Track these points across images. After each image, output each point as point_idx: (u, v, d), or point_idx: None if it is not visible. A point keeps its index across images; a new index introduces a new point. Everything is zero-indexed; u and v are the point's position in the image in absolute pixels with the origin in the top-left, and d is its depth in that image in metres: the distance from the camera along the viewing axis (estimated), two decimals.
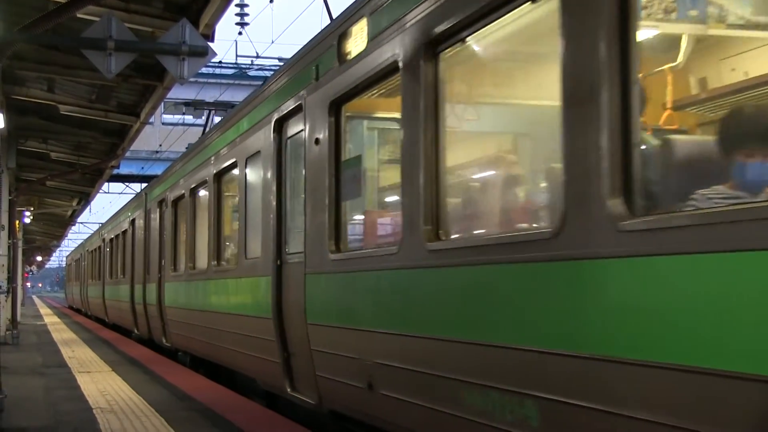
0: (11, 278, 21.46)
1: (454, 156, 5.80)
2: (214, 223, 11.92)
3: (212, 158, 12.13)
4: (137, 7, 11.38)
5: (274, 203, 8.81)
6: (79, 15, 10.85)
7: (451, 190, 5.72)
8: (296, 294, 8.01)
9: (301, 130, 8.00)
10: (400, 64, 5.90)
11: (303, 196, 7.98)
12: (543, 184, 5.17)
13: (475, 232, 5.66)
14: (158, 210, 17.08)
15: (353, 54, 6.83)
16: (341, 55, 7.09)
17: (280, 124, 8.77)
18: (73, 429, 8.27)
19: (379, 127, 7.94)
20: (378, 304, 6.33)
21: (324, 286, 7.43)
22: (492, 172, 5.79)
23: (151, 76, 14.24)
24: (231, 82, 42.60)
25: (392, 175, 7.42)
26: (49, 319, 36.35)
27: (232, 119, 11.14)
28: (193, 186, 13.69)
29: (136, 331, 20.29)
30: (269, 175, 9.00)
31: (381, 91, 6.89)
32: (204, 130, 17.34)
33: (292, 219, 8.64)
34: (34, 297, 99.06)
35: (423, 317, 5.62)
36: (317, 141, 7.49)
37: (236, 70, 45.46)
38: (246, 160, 10.11)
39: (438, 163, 5.53)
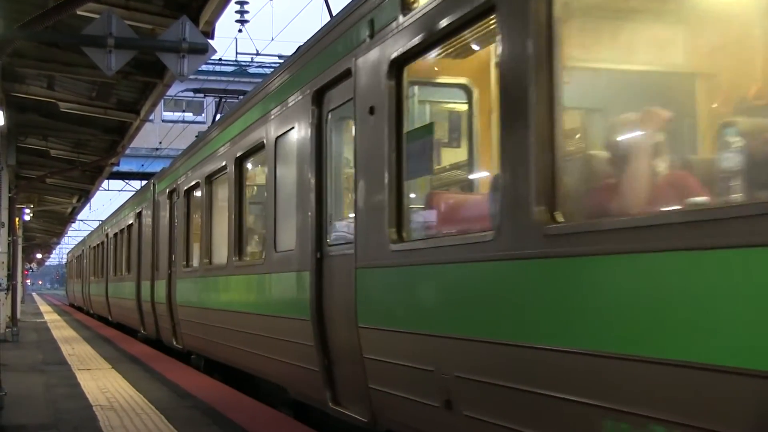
0: (11, 275, 21.45)
1: (576, 116, 4.63)
2: (234, 213, 10.51)
3: (233, 141, 10.77)
4: (137, 5, 11.38)
5: (313, 187, 7.61)
6: (79, 12, 10.83)
7: (573, 160, 4.56)
8: (343, 292, 6.86)
9: (349, 100, 6.83)
10: (497, 2, 4.76)
11: (352, 176, 6.88)
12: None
13: (619, 210, 4.30)
14: (168, 201, 15.58)
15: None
16: (406, 3, 5.92)
17: (320, 95, 7.60)
18: (73, 427, 8.23)
19: (454, 89, 6.88)
20: (463, 304, 5.13)
21: (382, 282, 6.24)
22: (637, 134, 4.40)
23: (151, 73, 14.22)
24: (231, 79, 42.55)
25: (474, 147, 6.50)
26: (49, 316, 36.31)
27: (257, 96, 9.90)
28: (209, 173, 12.21)
29: (142, 330, 18.95)
30: (306, 154, 7.80)
31: (462, 44, 5.83)
32: (214, 118, 16.83)
33: (336, 204, 7.60)
34: (34, 294, 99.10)
35: (537, 321, 4.39)
36: (371, 110, 6.32)
37: (236, 68, 45.45)
38: (276, 140, 8.88)
39: (554, 125, 4.31)
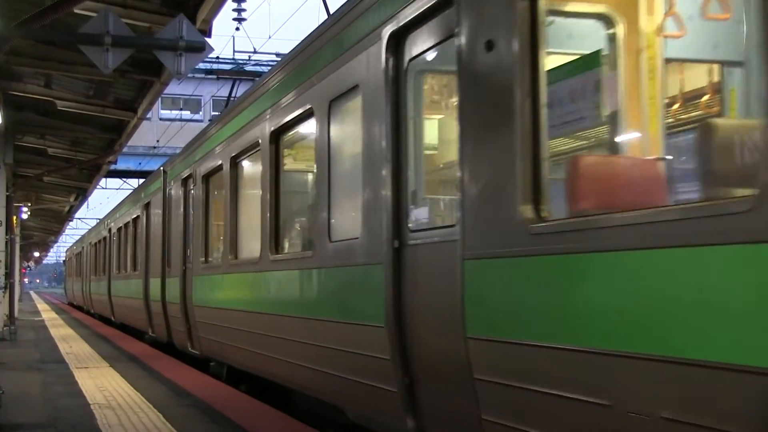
0: (9, 274, 21.45)
1: None
2: (270, 198, 8.82)
3: (266, 114, 9.06)
4: (134, 3, 11.37)
5: (389, 158, 5.96)
6: (76, 11, 10.81)
7: None
8: (438, 290, 5.32)
9: (448, 38, 5.30)
10: None
11: (446, 141, 5.51)
12: None
13: None
14: (182, 189, 13.85)
15: None
16: None
17: (398, 40, 5.95)
18: (71, 425, 8.21)
19: (591, 21, 5.35)
20: (683, 311, 3.44)
21: (512, 276, 4.59)
22: None
23: (149, 71, 14.21)
24: (229, 77, 42.46)
25: (620, 99, 5.16)
26: (47, 314, 36.29)
27: (297, 58, 8.25)
28: (235, 154, 10.45)
29: (150, 333, 17.30)
30: (377, 118, 6.17)
31: None
32: (227, 102, 15.01)
33: (420, 179, 6.02)
34: (32, 293, 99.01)
35: None
36: (490, 45, 4.75)
37: (234, 66, 45.39)
38: (329, 105, 7.26)
39: None
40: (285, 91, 8.58)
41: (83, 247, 39.52)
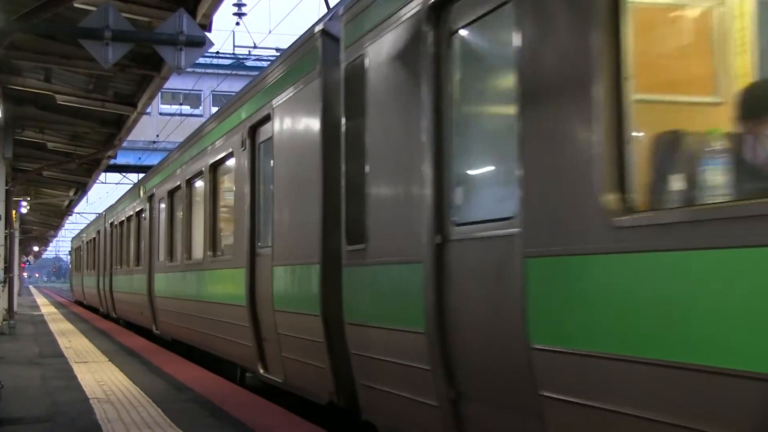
0: (8, 268, 21.46)
1: None
2: None
3: None
4: None
5: None
6: (76, 5, 10.80)
7: None
8: None
9: None
10: None
11: None
12: None
13: None
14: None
15: None
16: None
17: None
18: (70, 419, 8.24)
19: None
20: None
21: None
22: None
23: (149, 66, 14.19)
24: (228, 72, 42.50)
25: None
26: (46, 309, 36.34)
27: None
28: None
29: (260, 371, 9.38)
30: None
31: None
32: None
33: None
34: (31, 287, 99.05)
35: None
36: None
37: (234, 61, 45.41)
38: None
39: None
40: None
41: (99, 231, 30.81)
